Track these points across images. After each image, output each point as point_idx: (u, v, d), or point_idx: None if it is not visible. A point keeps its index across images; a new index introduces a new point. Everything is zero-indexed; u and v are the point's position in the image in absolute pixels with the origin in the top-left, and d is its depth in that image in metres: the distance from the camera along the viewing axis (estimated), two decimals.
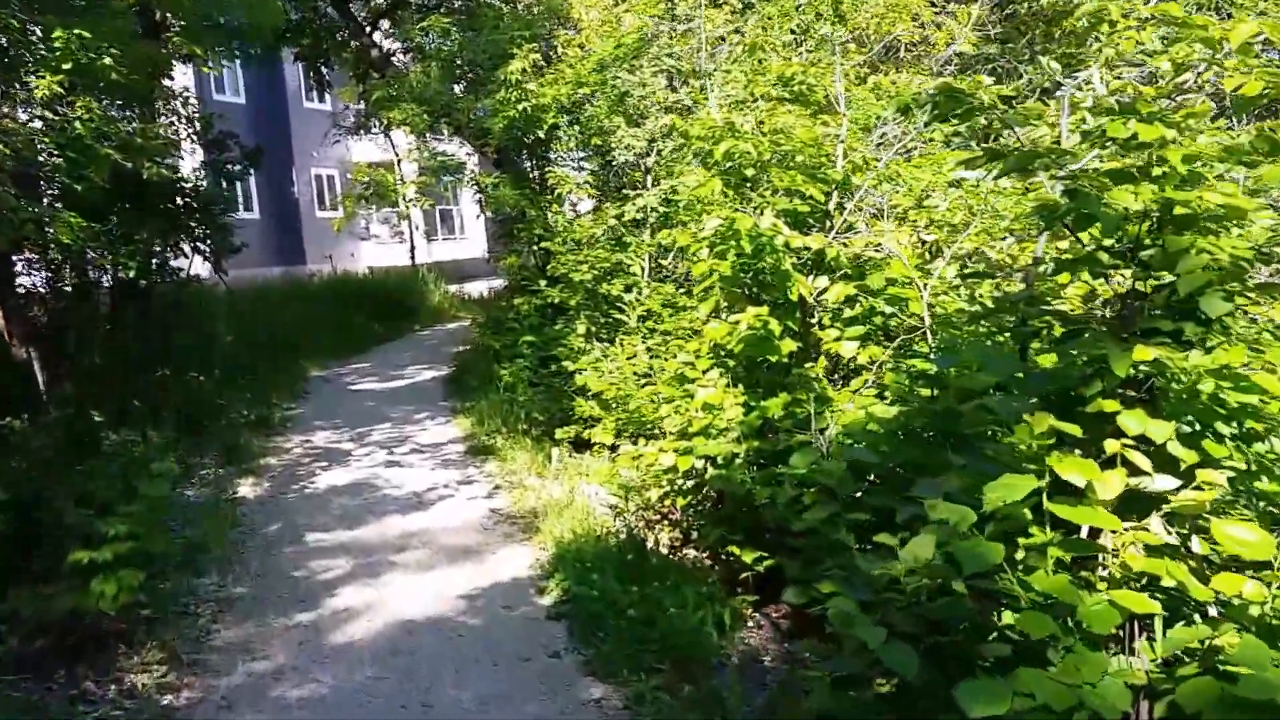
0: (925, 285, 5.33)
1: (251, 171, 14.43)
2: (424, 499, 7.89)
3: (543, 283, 9.40)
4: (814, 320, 6.11)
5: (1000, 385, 4.10)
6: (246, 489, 8.32)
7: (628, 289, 8.90)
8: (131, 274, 9.46)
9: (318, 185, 30.44)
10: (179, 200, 10.57)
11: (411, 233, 26.62)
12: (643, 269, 8.95)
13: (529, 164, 12.44)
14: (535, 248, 11.76)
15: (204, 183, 12.35)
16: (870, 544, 4.76)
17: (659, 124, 8.85)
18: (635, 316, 7.67)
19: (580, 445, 9.18)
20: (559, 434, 9.01)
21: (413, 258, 26.63)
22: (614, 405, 7.74)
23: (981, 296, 5.18)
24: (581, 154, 11.09)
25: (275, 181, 29.27)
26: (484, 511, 7.54)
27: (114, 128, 7.73)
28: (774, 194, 5.97)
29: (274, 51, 14.90)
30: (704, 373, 6.33)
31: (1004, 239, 5.55)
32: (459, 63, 11.92)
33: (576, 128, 10.09)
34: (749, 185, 6.10)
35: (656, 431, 7.21)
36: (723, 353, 6.24)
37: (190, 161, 14.76)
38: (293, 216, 29.66)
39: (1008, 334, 5.05)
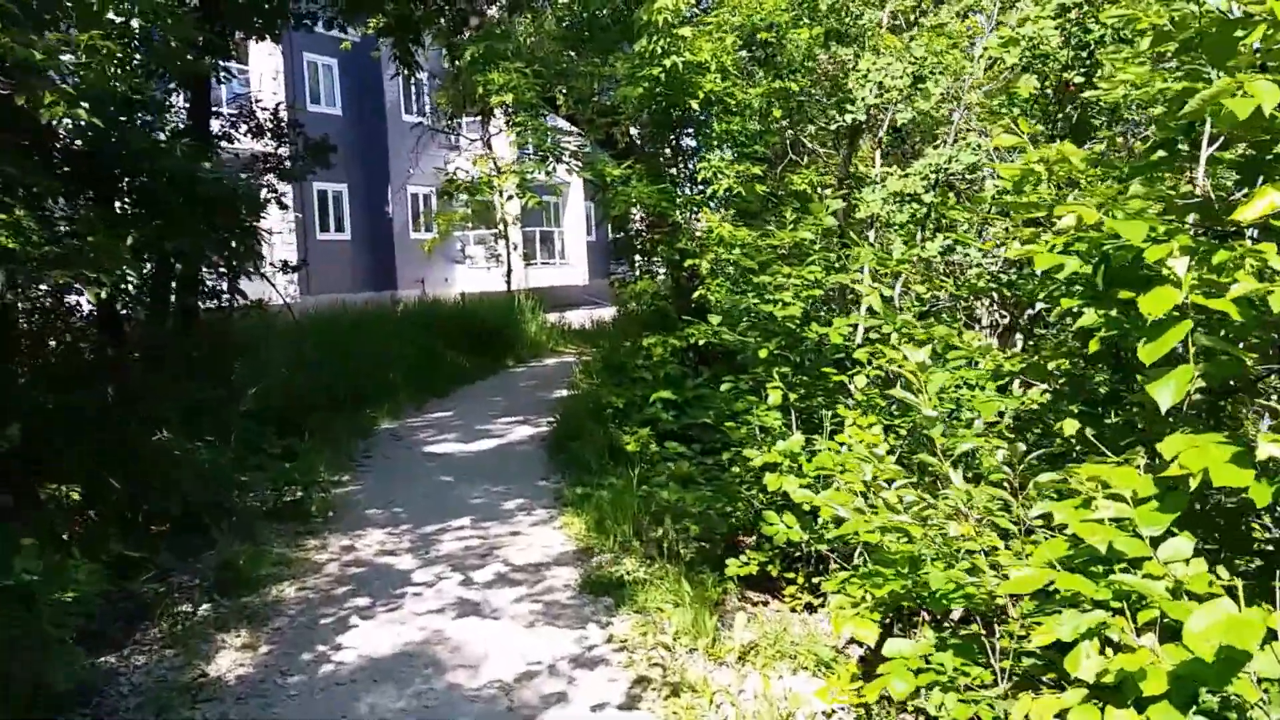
0: None
1: (315, 170, 11.31)
2: (518, 703, 4.37)
3: (715, 320, 5.77)
4: None
5: None
6: (229, 657, 4.92)
7: (849, 334, 5.28)
8: (103, 295, 6.25)
9: (414, 205, 27.74)
10: (188, 194, 7.29)
11: (509, 255, 23.52)
12: (885, 300, 5.31)
13: (668, 152, 8.94)
14: (681, 268, 8.28)
15: (241, 179, 9.19)
16: None
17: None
18: (932, 393, 3.96)
19: (763, 582, 5.62)
20: (731, 567, 5.41)
21: (509, 283, 23.48)
22: (869, 559, 4.13)
23: None
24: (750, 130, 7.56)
25: (370, 200, 26.76)
26: None
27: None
28: None
29: (357, 12, 11.82)
30: (1153, 541, 2.69)
31: None
32: (583, 17, 8.52)
33: (767, 70, 6.55)
34: None
35: (981, 615, 3.56)
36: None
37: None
38: (386, 238, 27.07)
39: None
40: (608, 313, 21.91)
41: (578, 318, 22.45)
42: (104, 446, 6.78)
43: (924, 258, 5.26)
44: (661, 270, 10.02)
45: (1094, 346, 3.57)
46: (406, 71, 13.36)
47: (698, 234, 7.66)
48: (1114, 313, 3.25)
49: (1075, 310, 3.70)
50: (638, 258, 11.06)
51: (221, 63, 10.39)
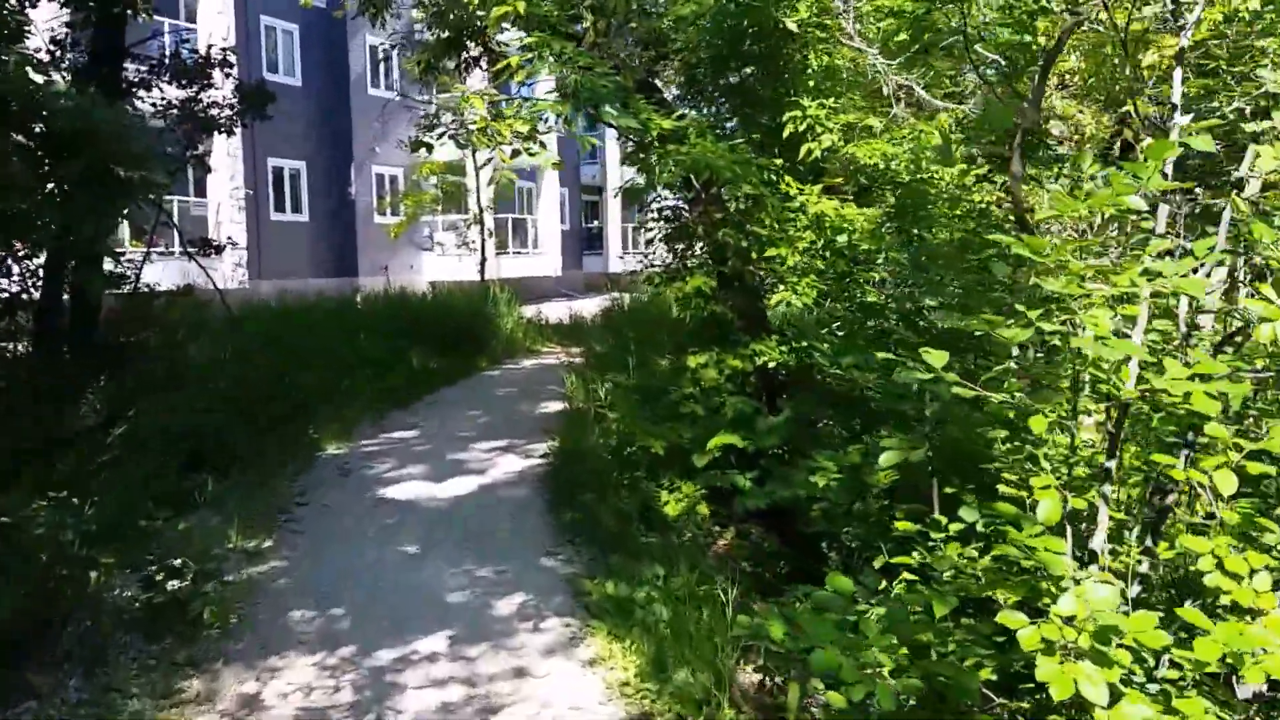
0: None
1: (246, 124, 8.47)
2: None
3: (938, 360, 3.04)
4: None
5: None
6: None
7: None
8: None
9: (379, 186, 24.65)
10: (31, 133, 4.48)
11: (484, 242, 20.64)
12: None
13: (735, 101, 6.25)
14: (748, 260, 5.64)
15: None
16: None
17: None
18: None
19: None
20: None
21: (482, 272, 20.64)
22: None
23: None
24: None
25: (330, 180, 23.65)
26: None
27: None
28: None
29: None
30: None
31: None
32: None
33: None
34: None
35: None
36: None
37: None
38: (348, 221, 24.03)
39: None
40: (584, 305, 19.21)
41: (553, 311, 19.68)
42: None
43: None
44: (694, 261, 7.35)
45: None
46: (374, 10, 10.51)
47: (789, 212, 5.01)
48: None
49: None
50: (663, 245, 8.38)
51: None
